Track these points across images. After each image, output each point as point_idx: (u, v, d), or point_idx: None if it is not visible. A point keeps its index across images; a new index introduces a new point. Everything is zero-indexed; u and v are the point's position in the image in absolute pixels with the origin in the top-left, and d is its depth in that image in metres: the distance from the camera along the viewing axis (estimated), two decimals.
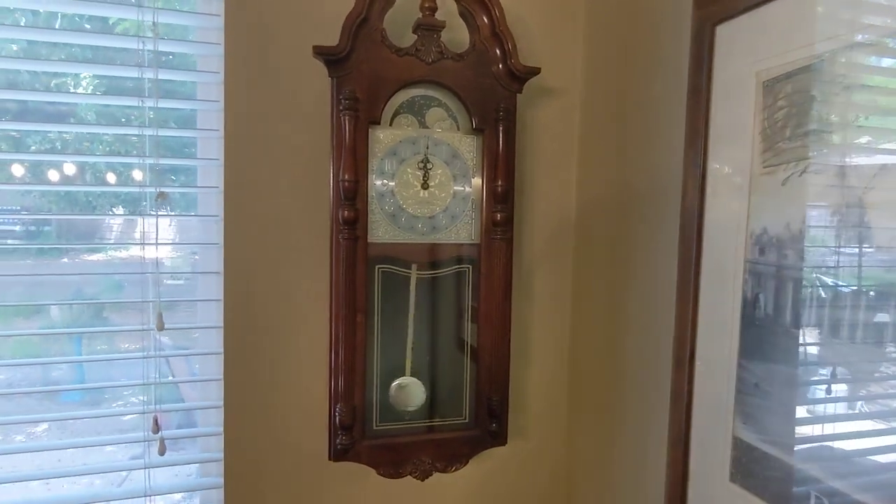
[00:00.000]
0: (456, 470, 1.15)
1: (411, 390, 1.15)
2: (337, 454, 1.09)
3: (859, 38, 0.66)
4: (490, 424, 1.15)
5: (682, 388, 0.94)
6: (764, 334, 0.80)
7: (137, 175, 1.17)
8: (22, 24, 1.46)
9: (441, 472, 1.14)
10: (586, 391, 1.31)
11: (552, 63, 1.29)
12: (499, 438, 1.17)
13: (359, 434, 1.10)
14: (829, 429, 0.71)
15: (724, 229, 0.87)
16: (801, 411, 0.74)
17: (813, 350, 0.73)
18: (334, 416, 1.08)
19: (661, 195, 1.04)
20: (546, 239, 1.33)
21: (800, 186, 0.74)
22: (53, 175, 1.42)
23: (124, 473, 1.26)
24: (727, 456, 0.86)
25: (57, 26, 1.40)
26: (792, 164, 0.75)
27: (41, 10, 1.37)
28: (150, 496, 1.12)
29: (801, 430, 0.74)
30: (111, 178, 1.33)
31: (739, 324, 0.84)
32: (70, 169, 1.41)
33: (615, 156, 1.20)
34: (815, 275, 0.72)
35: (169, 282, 1.33)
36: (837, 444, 0.70)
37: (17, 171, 1.38)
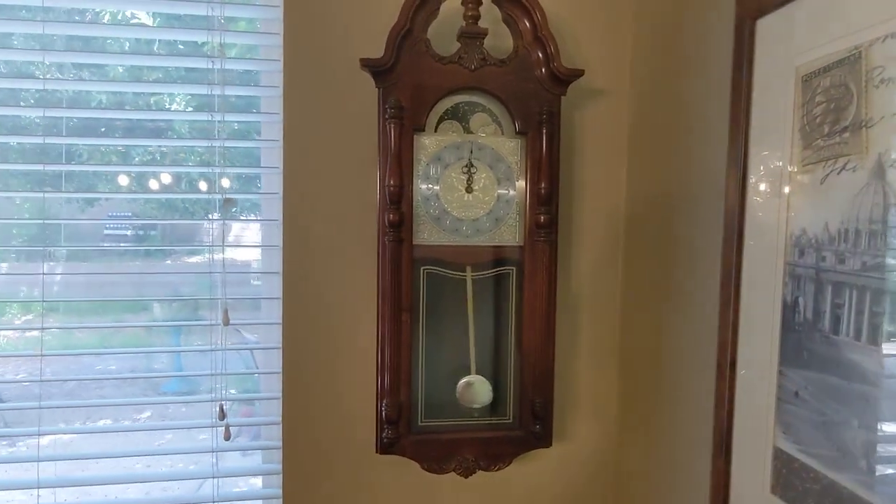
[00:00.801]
0: (499, 469, 1.17)
1: (477, 388, 1.17)
2: (383, 447, 1.14)
3: None
4: (534, 426, 1.16)
5: (724, 395, 0.91)
6: (803, 340, 0.76)
7: (225, 182, 1.28)
8: (126, 48, 1.64)
9: (484, 470, 1.16)
10: (636, 396, 1.28)
11: (601, 64, 1.28)
12: (543, 440, 1.17)
13: (404, 429, 1.14)
14: (873, 444, 0.67)
15: (764, 230, 0.84)
16: (840, 423, 0.70)
17: (853, 357, 0.69)
18: (381, 410, 1.13)
19: (706, 195, 1.02)
20: (596, 240, 1.32)
21: (838, 185, 0.71)
22: (154, 184, 1.59)
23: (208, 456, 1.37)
24: (768, 467, 0.83)
25: (155, 49, 1.56)
26: (830, 161, 0.72)
27: (132, 38, 1.53)
28: (217, 477, 1.22)
29: (842, 443, 0.70)
30: (203, 185, 1.46)
31: (780, 329, 0.81)
32: (166, 178, 1.56)
33: (663, 156, 1.18)
34: (853, 278, 0.68)
35: (255, 283, 1.44)
36: (881, 463, 0.66)
37: (123, 181, 1.55)
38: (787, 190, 0.79)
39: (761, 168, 0.85)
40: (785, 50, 0.79)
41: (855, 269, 0.68)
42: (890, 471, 0.64)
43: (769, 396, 0.82)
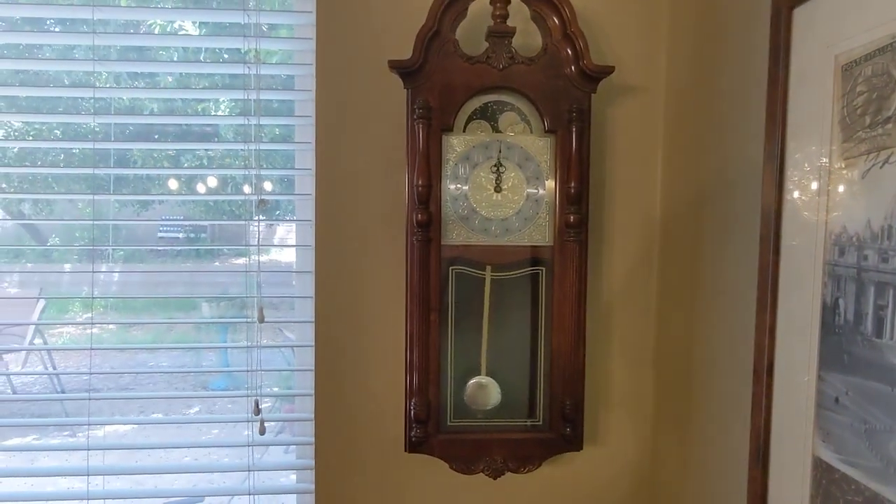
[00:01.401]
0: (528, 471, 1.15)
1: (489, 390, 1.17)
2: (412, 446, 1.14)
3: None
4: (564, 428, 1.14)
5: (761, 401, 0.87)
6: (844, 343, 0.72)
7: (267, 186, 1.31)
8: (175, 59, 1.71)
9: (513, 472, 1.15)
10: (671, 400, 1.24)
11: (635, 60, 1.25)
12: (573, 443, 1.15)
13: (433, 428, 1.14)
14: None
15: (802, 228, 0.80)
16: (884, 431, 0.66)
17: None
18: (410, 409, 1.14)
19: (743, 193, 0.98)
20: (629, 240, 1.29)
21: (881, 179, 0.67)
22: (201, 187, 1.65)
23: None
24: (807, 476, 0.79)
25: (202, 58, 1.62)
26: (872, 154, 0.68)
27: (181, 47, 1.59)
28: (252, 471, 1.25)
29: (886, 453, 0.66)
30: (246, 189, 1.50)
31: (819, 332, 0.77)
32: (212, 181, 1.62)
33: (698, 154, 1.14)
34: None
35: (295, 283, 1.48)
36: None
37: (173, 184, 1.62)
38: (826, 185, 0.75)
39: (800, 163, 0.81)
40: (823, 39, 0.75)
41: None
42: None
43: (808, 402, 0.78)
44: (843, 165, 0.73)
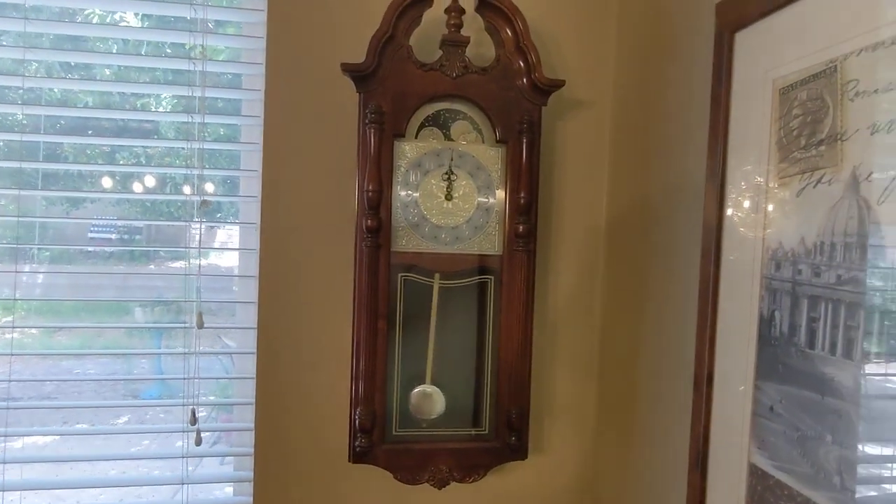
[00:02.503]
0: (474, 481, 1.15)
1: (433, 399, 1.16)
2: (356, 456, 1.12)
3: (874, 40, 0.62)
4: (510, 437, 1.14)
5: (701, 409, 0.90)
6: (779, 354, 0.75)
7: (209, 187, 1.26)
8: (114, 51, 1.63)
9: (458, 481, 1.14)
10: (614, 408, 1.27)
11: (584, 75, 1.28)
12: (518, 452, 1.15)
13: (378, 438, 1.12)
14: (846, 461, 0.66)
15: (741, 243, 0.83)
16: (815, 438, 0.69)
17: (828, 372, 0.68)
18: (354, 419, 1.11)
19: (686, 208, 1.01)
20: (576, 251, 1.31)
21: (814, 198, 0.70)
22: (138, 186, 1.57)
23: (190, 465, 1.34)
24: (743, 483, 0.82)
25: (143, 52, 1.54)
26: (806, 174, 0.71)
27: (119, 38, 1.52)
28: (185, 483, 1.19)
29: (816, 460, 0.69)
30: (187, 189, 1.44)
31: (756, 343, 0.80)
32: (150, 181, 1.54)
33: (643, 168, 1.17)
34: (828, 292, 0.67)
35: (237, 288, 1.42)
36: (855, 481, 0.64)
37: (107, 182, 1.53)
38: (764, 203, 0.79)
39: (739, 180, 0.84)
40: (762, 63, 0.79)
41: (830, 283, 0.67)
42: (864, 489, 0.63)
43: (745, 411, 0.81)
44: (780, 184, 0.76)
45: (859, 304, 0.63)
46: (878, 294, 0.61)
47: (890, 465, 0.60)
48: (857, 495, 0.63)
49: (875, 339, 0.61)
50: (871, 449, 0.62)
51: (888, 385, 0.61)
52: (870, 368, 0.62)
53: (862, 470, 0.63)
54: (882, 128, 0.61)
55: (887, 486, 0.61)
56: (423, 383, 1.16)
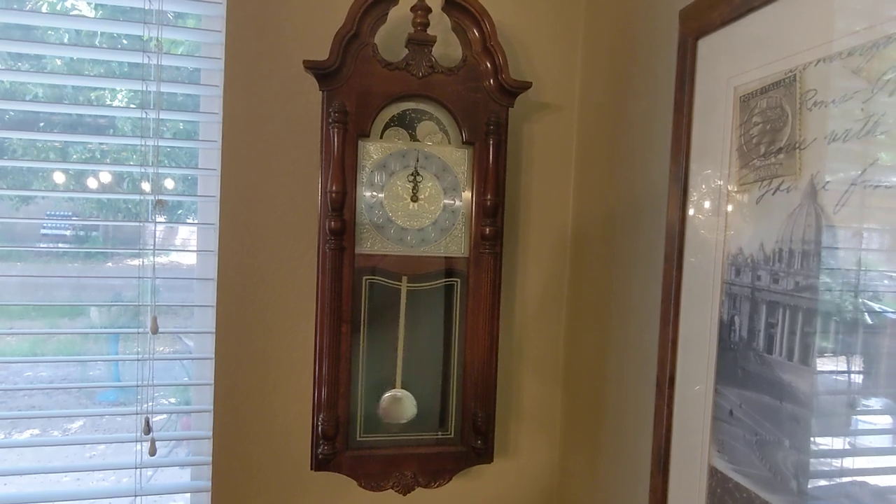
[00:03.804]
0: (439, 486, 1.14)
1: (404, 403, 1.15)
2: (318, 464, 1.09)
3: (831, 51, 0.63)
4: (475, 441, 1.14)
5: (663, 413, 0.91)
6: (739, 359, 0.76)
7: (169, 184, 1.21)
8: (66, 41, 1.56)
9: (424, 487, 1.13)
10: (580, 411, 1.28)
11: (551, 78, 1.28)
12: (484, 456, 1.15)
13: (341, 445, 1.10)
14: (803, 465, 0.67)
15: (703, 248, 0.84)
16: (773, 442, 0.70)
17: (785, 377, 0.69)
18: (317, 425, 1.09)
19: (650, 213, 1.02)
20: (543, 254, 1.31)
21: (773, 205, 0.71)
22: (92, 183, 1.50)
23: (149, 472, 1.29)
24: (703, 485, 0.82)
25: (97, 42, 1.48)
26: (765, 181, 0.72)
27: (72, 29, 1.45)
28: (139, 496, 1.15)
29: (774, 464, 0.70)
30: (144, 187, 1.39)
31: (716, 347, 0.81)
32: (106, 177, 1.48)
33: (608, 172, 1.18)
34: (786, 298, 0.68)
35: (195, 289, 1.37)
36: (811, 484, 0.66)
37: (59, 178, 1.47)
38: (725, 209, 0.80)
39: (702, 186, 0.85)
40: (725, 70, 0.80)
41: (788, 289, 0.68)
42: (820, 493, 0.64)
43: (705, 415, 0.82)
44: (740, 191, 0.77)
45: (816, 311, 0.64)
46: (833, 300, 0.62)
47: (840, 459, 0.61)
48: (813, 500, 0.64)
49: (830, 343, 0.62)
50: (823, 443, 0.64)
51: (837, 379, 0.62)
52: (822, 367, 0.63)
53: (815, 472, 0.65)
54: (839, 137, 0.62)
55: (838, 479, 0.62)
56: (390, 388, 1.14)
